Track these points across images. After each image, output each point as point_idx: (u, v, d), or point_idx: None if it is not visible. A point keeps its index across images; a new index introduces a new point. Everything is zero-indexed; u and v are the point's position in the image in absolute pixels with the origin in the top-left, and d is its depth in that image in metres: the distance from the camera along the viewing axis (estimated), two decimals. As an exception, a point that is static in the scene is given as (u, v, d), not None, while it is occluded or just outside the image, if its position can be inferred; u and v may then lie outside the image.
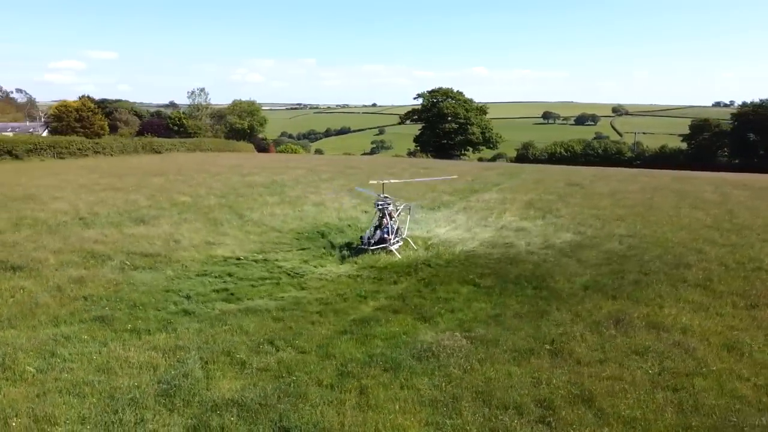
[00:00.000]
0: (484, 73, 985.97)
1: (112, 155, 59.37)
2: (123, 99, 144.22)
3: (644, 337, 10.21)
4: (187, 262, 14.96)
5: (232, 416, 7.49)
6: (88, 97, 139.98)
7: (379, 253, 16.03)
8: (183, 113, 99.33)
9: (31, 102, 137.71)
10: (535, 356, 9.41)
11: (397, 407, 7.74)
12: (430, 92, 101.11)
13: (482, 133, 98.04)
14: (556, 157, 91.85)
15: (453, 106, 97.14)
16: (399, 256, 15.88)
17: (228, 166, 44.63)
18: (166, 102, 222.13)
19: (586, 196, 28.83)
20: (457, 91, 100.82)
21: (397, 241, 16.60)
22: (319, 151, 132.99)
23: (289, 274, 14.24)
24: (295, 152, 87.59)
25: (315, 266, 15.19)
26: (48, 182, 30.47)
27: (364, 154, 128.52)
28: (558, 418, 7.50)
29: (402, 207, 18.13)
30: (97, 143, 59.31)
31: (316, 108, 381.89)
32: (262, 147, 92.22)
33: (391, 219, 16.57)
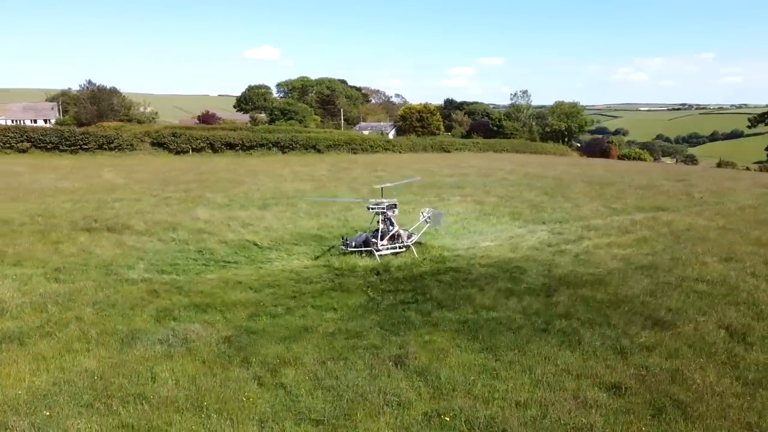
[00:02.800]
0: None
1: (400, 152, 63.05)
2: (478, 101, 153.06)
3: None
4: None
5: None
6: (451, 100, 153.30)
7: (363, 256, 15.27)
8: (503, 114, 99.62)
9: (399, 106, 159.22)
10: None
11: None
12: None
13: None
14: None
15: None
16: (378, 261, 14.88)
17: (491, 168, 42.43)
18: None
19: None
20: None
21: (395, 247, 15.54)
22: (691, 159, 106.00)
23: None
24: (642, 159, 75.00)
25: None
26: (268, 169, 34.78)
27: (758, 162, 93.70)
28: None
29: (426, 213, 16.96)
30: (387, 141, 63.80)
31: (704, 108, 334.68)
32: (600, 150, 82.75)
33: (390, 224, 15.67)
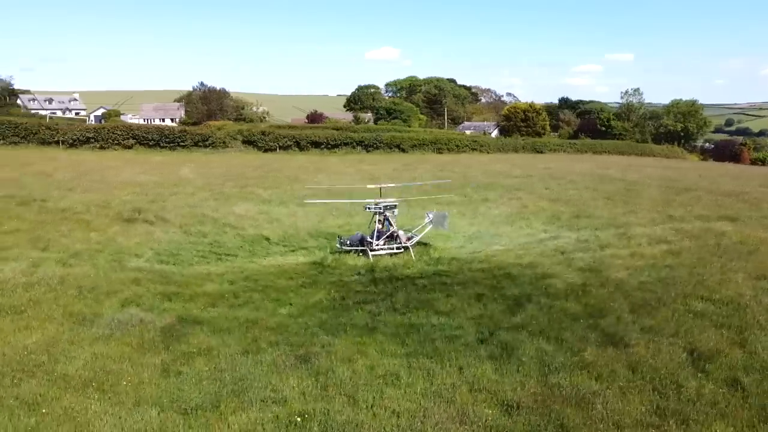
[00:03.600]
0: None
1: (487, 153, 61.78)
2: (595, 100, 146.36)
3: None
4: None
5: None
6: (565, 99, 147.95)
7: (359, 255, 15.34)
8: (612, 114, 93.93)
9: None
10: None
11: None
12: None
13: None
14: None
15: None
16: (371, 260, 14.89)
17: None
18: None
19: None
20: None
21: (392, 248, 15.42)
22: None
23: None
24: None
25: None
26: (336, 167, 36.74)
27: None
28: None
29: (430, 215, 16.60)
30: (474, 141, 62.77)
31: None
32: (730, 153, 74.78)
33: (387, 224, 15.64)
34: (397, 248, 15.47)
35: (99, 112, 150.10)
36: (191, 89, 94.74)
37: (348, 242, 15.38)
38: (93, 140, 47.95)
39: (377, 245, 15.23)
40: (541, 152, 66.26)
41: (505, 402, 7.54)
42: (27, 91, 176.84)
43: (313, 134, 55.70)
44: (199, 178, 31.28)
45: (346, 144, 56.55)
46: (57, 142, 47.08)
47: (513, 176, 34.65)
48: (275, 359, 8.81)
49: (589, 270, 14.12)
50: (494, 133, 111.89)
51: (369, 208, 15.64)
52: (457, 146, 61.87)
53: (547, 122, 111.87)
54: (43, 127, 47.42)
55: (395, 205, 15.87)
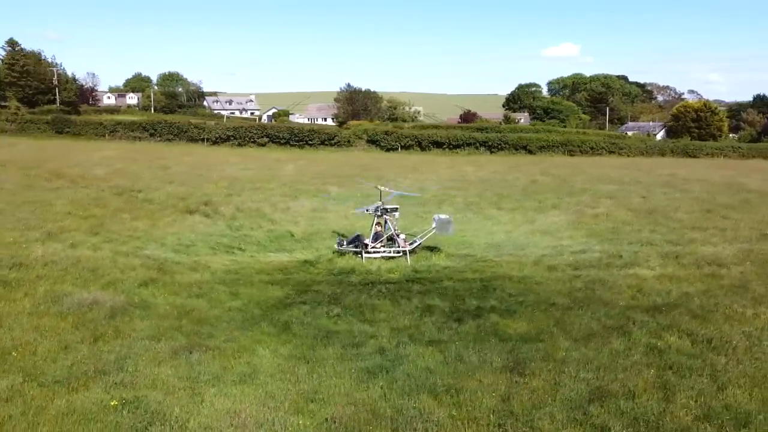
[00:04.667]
0: None
1: (628, 156, 56.98)
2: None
3: None
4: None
5: None
6: (762, 96, 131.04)
7: (356, 256, 15.41)
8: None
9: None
10: None
11: None
12: None
13: None
14: None
15: None
16: (363, 262, 14.99)
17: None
18: None
19: None
20: None
21: (389, 251, 15.20)
22: None
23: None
24: None
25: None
26: (438, 168, 36.31)
27: None
28: None
29: (437, 220, 15.84)
30: (612, 143, 58.16)
31: None
32: None
33: (386, 227, 15.57)
34: (395, 252, 15.20)
35: (270, 112, 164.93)
36: (327, 90, 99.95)
37: (345, 243, 15.46)
38: (232, 138, 53.02)
39: (372, 247, 15.12)
40: (695, 156, 59.40)
41: (326, 419, 7.28)
42: (213, 93, 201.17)
43: (435, 134, 55.81)
44: (295, 174, 33.18)
45: (469, 144, 55.89)
46: (202, 140, 52.87)
47: (618, 181, 31.76)
48: (168, 347, 9.35)
49: (587, 289, 12.77)
50: (660, 135, 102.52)
51: (368, 210, 15.58)
52: (592, 148, 58.01)
53: (726, 123, 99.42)
54: (192, 126, 53.54)
55: (396, 208, 15.62)
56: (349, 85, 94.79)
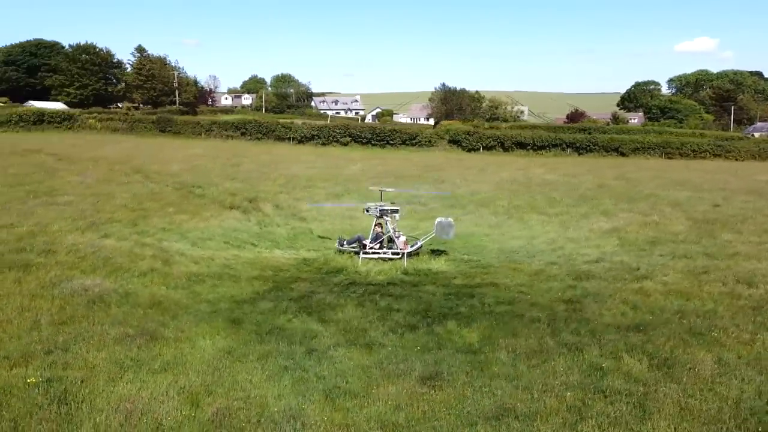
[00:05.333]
0: None
1: (736, 159, 52.08)
2: None
3: None
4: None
5: None
6: None
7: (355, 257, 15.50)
8: None
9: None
10: None
11: None
12: None
13: None
14: None
15: None
16: (359, 263, 15.01)
17: None
18: None
19: None
20: None
21: (386, 253, 15.13)
22: None
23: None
24: None
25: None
26: (508, 169, 35.04)
27: None
28: None
29: (438, 223, 15.51)
30: (719, 146, 53.29)
31: None
32: None
33: (381, 227, 15.51)
34: (393, 254, 15.07)
35: (374, 112, 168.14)
36: (432, 90, 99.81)
37: (346, 243, 15.56)
38: (316, 137, 54.75)
39: (370, 248, 15.11)
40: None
41: (212, 412, 7.48)
42: (322, 94, 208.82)
43: (518, 135, 54.12)
44: (356, 174, 33.73)
45: (555, 146, 53.69)
46: (288, 139, 55.09)
47: (696, 187, 29.13)
48: (119, 332, 10.01)
49: (569, 302, 11.99)
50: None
51: (368, 211, 15.57)
52: (693, 151, 53.49)
53: None
54: (279, 126, 55.98)
55: (396, 210, 15.47)
56: (444, 84, 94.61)
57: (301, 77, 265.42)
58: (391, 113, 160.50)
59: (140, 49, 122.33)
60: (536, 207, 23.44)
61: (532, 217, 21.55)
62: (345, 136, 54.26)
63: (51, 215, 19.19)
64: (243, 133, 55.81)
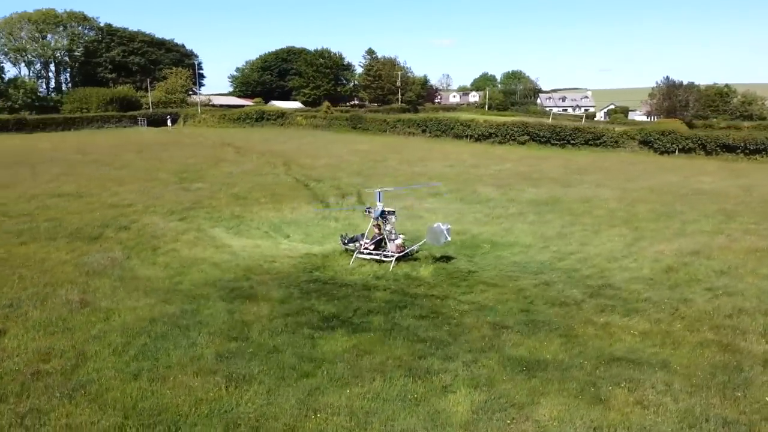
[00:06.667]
0: None
1: None
2: None
3: None
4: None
5: None
6: None
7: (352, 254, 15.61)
8: None
9: None
10: None
11: None
12: None
13: None
14: None
15: None
16: (351, 263, 14.98)
17: None
18: None
19: None
20: None
21: (378, 254, 14.92)
22: None
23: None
24: None
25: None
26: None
27: None
28: None
29: (430, 229, 14.75)
30: None
31: None
32: None
33: (378, 229, 15.32)
34: (385, 256, 14.79)
35: (607, 109, 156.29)
36: (653, 85, 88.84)
37: (346, 241, 15.67)
38: (494, 135, 53.69)
39: (364, 248, 15.05)
40: None
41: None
42: (554, 90, 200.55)
43: (725, 135, 45.80)
44: (493, 174, 32.49)
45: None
46: (466, 137, 54.99)
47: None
48: (72, 295, 11.77)
49: (526, 312, 10.62)
50: None
51: (368, 212, 15.44)
52: None
53: None
54: (458, 123, 56.13)
55: (393, 212, 15.06)
56: (667, 78, 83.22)
57: (531, 73, 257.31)
58: (626, 110, 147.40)
59: (370, 52, 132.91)
60: (620, 218, 20.16)
61: (586, 229, 18.68)
62: (522, 135, 52.18)
63: (162, 200, 22.84)
64: (423, 131, 57.44)
